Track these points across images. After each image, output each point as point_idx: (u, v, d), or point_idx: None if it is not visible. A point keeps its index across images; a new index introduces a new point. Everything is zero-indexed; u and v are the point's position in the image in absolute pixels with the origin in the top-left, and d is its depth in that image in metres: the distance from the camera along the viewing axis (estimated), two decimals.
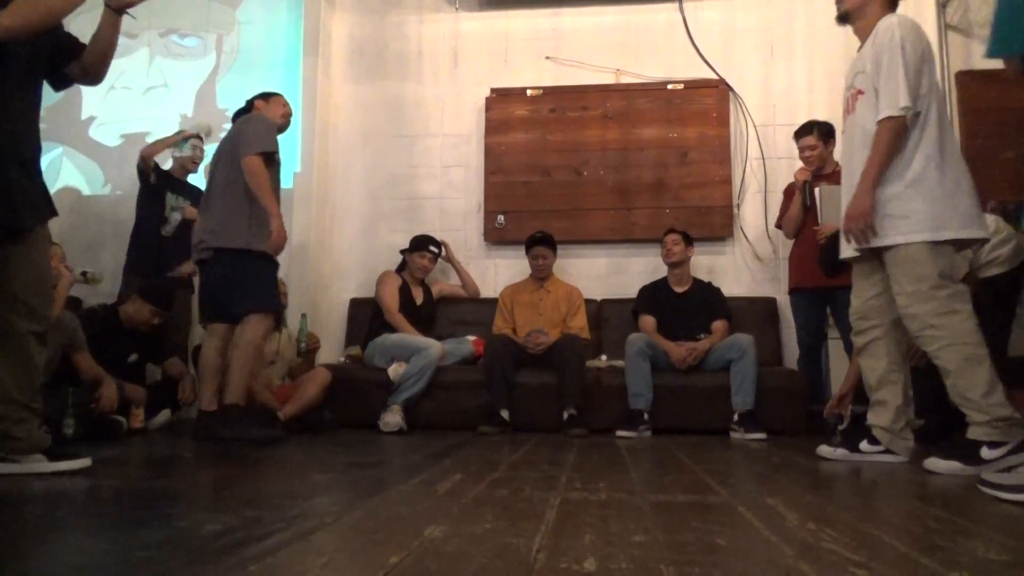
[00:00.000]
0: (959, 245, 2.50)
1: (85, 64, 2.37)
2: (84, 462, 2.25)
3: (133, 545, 1.28)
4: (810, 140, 3.94)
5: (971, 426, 2.32)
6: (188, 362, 4.16)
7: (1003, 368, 3.31)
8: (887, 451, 2.62)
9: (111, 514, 1.68)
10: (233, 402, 3.15)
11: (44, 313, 2.27)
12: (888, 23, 2.52)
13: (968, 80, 4.33)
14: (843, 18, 2.70)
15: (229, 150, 3.31)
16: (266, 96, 3.59)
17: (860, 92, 2.58)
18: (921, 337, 2.43)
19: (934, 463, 2.32)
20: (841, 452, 2.68)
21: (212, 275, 3.30)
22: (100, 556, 1.24)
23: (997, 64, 4.38)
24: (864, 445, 2.63)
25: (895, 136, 2.44)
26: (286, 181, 4.80)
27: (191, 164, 4.48)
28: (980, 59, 4.44)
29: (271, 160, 3.29)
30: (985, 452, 2.25)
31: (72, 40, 2.39)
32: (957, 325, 2.35)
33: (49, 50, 2.31)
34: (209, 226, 3.25)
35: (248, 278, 3.23)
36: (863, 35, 2.64)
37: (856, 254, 2.61)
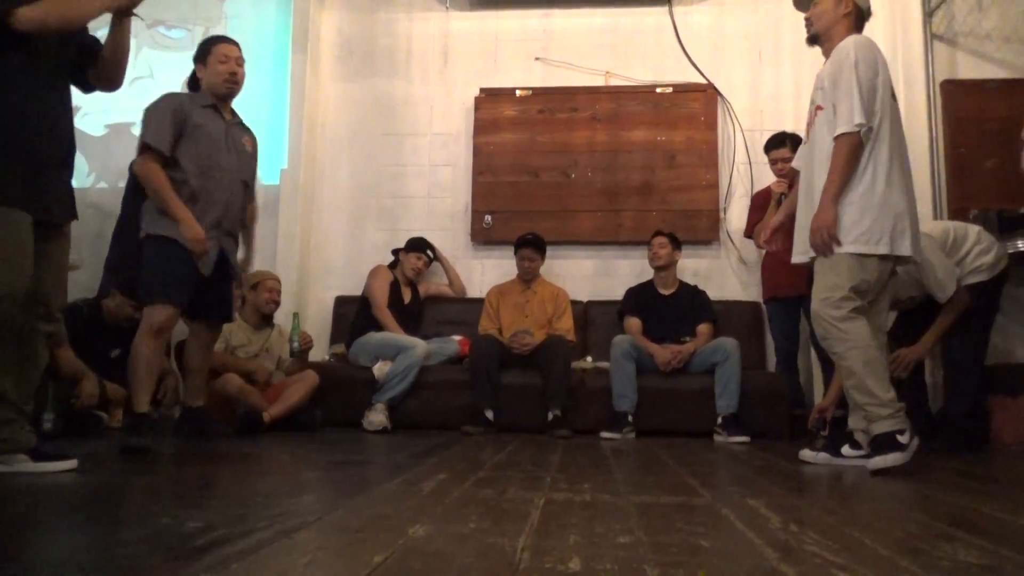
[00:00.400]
0: (895, 260, 2.59)
1: (100, 71, 2.36)
2: (70, 464, 2.19)
3: (113, 542, 1.26)
4: (784, 152, 3.98)
5: (877, 423, 2.45)
6: (172, 359, 4.13)
7: (982, 376, 3.38)
8: (868, 455, 2.63)
9: (91, 511, 1.66)
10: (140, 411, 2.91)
11: (57, 314, 2.29)
12: (845, 43, 2.60)
13: (953, 89, 4.38)
14: (812, 40, 2.77)
15: None
16: (202, 53, 3.13)
17: (819, 108, 2.66)
18: (827, 340, 2.54)
19: (877, 462, 2.39)
20: (823, 456, 2.70)
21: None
22: (80, 553, 1.23)
23: (981, 74, 4.46)
24: (846, 449, 2.66)
25: (851, 151, 2.51)
26: (272, 177, 4.80)
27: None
28: (965, 69, 4.50)
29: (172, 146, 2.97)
30: (900, 438, 2.41)
31: (95, 44, 2.36)
32: (858, 330, 2.48)
33: (76, 51, 2.30)
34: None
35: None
36: (828, 55, 2.71)
37: (807, 259, 2.69)
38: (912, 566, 1.18)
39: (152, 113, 2.98)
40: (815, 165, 2.65)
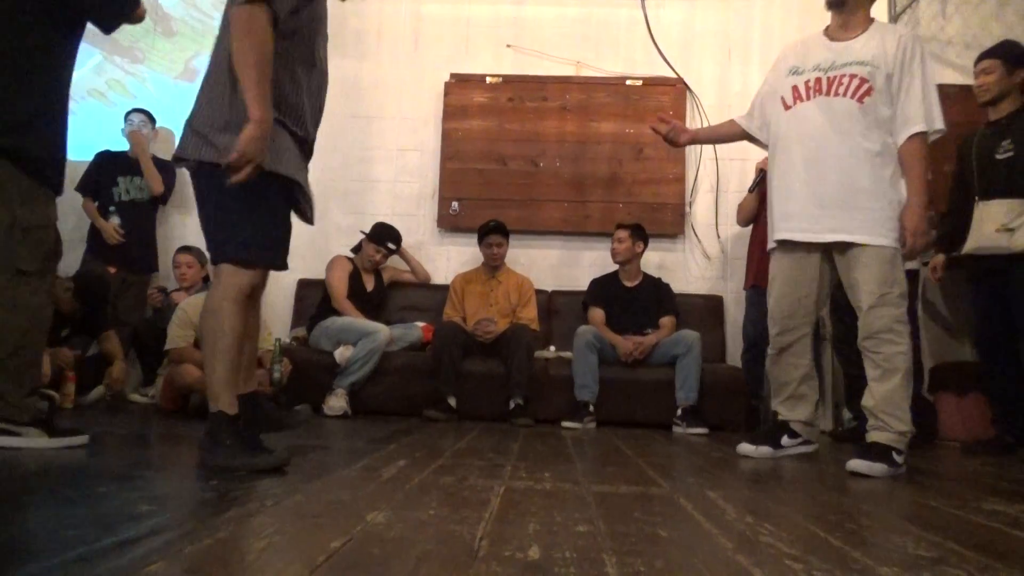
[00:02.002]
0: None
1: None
2: (82, 439, 2.22)
3: (62, 523, 1.23)
4: None
5: (883, 432, 2.43)
6: (129, 345, 4.06)
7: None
8: (805, 442, 2.77)
9: (39, 491, 1.62)
10: (215, 409, 1.98)
11: None
12: (911, 34, 2.57)
13: None
14: (839, 3, 2.64)
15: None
16: None
17: (865, 82, 2.52)
18: (877, 338, 2.46)
19: (857, 464, 2.37)
20: (765, 450, 2.73)
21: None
22: (26, 534, 1.19)
23: (942, 79, 4.55)
24: (785, 440, 2.72)
25: (926, 152, 2.49)
26: None
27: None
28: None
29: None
30: (896, 457, 2.39)
31: None
32: (909, 338, 2.48)
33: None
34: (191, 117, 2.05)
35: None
36: (851, 26, 2.62)
37: (792, 238, 2.61)
38: (863, 558, 1.20)
39: None
40: (862, 141, 2.52)
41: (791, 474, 2.37)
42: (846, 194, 2.51)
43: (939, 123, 2.48)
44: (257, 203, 2.03)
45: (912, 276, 3.40)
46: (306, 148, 2.30)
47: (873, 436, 2.46)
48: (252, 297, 2.08)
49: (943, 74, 4.57)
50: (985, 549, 1.31)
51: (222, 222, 2.01)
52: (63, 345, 3.67)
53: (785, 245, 2.69)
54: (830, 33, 2.69)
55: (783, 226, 2.67)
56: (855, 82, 2.54)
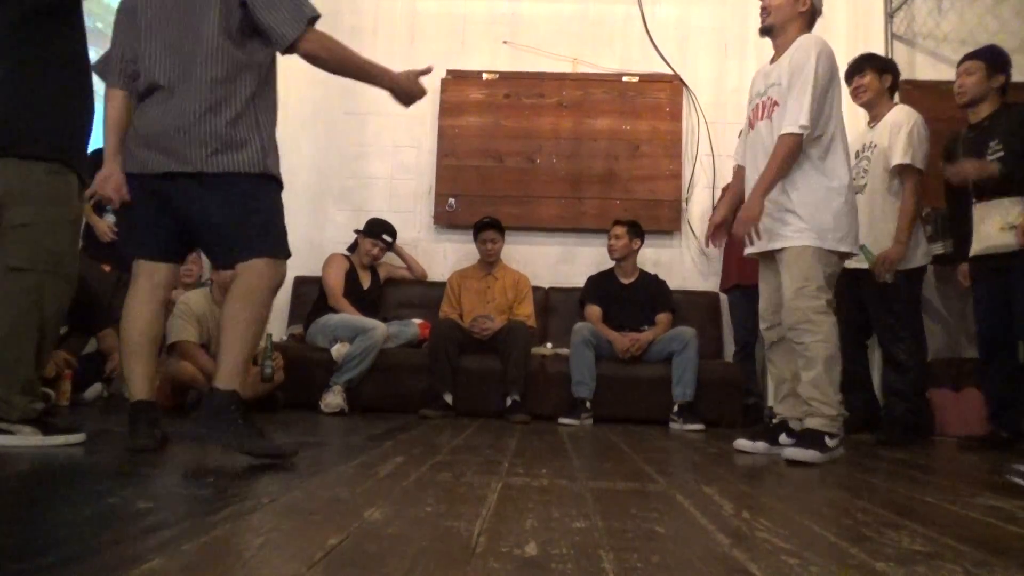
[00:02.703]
0: (840, 257, 2.69)
1: None
2: (78, 437, 2.24)
3: (59, 522, 1.23)
4: None
5: (814, 418, 2.54)
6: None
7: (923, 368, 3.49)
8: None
9: (36, 490, 1.62)
10: (231, 388, 2.01)
11: None
12: (807, 41, 2.65)
13: (910, 90, 4.46)
14: (766, 31, 2.81)
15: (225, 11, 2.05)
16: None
17: (776, 104, 2.69)
18: (797, 329, 2.60)
19: (795, 452, 2.47)
20: (762, 445, 2.76)
21: (206, 201, 2.10)
22: (23, 533, 1.19)
23: (938, 75, 4.56)
24: (783, 438, 2.73)
25: (791, 152, 2.58)
26: None
27: None
28: (922, 69, 4.60)
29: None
30: (828, 441, 2.49)
31: None
32: (829, 325, 2.56)
33: None
34: (218, 130, 2.06)
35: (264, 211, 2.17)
36: (781, 50, 2.76)
37: (757, 251, 2.78)
38: (859, 553, 1.21)
39: None
40: (760, 160, 2.71)
41: (787, 470, 2.38)
42: (772, 207, 2.67)
43: (804, 119, 2.55)
44: (280, 203, 2.27)
45: (914, 274, 3.40)
46: None
47: (807, 423, 2.57)
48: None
49: (939, 70, 4.59)
50: (981, 544, 1.32)
51: (258, 222, 2.13)
52: (61, 343, 3.65)
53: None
54: (772, 58, 2.83)
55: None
56: (770, 104, 2.72)
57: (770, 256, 2.77)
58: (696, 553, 1.17)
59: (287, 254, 2.21)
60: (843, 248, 2.63)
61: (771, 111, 2.71)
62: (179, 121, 2.04)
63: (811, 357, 2.56)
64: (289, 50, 2.10)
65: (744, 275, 4.01)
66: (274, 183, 2.20)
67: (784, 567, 1.10)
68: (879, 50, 4.48)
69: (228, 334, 2.07)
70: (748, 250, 2.83)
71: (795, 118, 2.56)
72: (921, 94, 4.45)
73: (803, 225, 2.61)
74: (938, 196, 3.71)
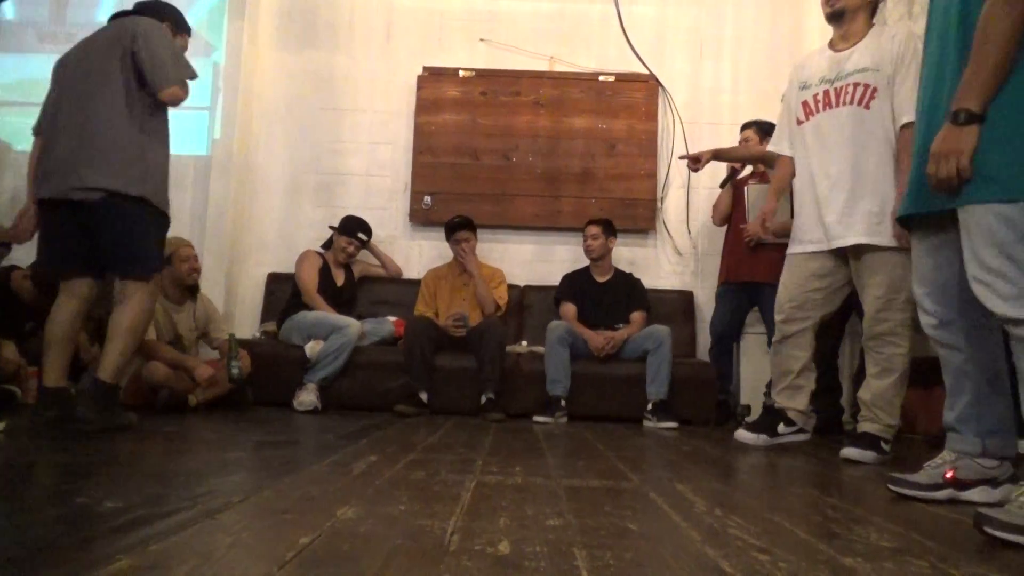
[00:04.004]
0: None
1: None
2: None
3: (26, 522, 1.21)
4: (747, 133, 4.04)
5: (872, 423, 2.61)
6: (93, 336, 3.97)
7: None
8: (800, 430, 2.89)
9: (2, 489, 1.58)
10: (112, 381, 2.63)
11: None
12: (906, 32, 2.65)
13: None
14: (837, 16, 2.74)
15: (119, 57, 2.62)
16: (174, 21, 2.88)
17: (876, 89, 2.62)
18: (884, 339, 2.64)
19: (852, 452, 2.55)
20: (763, 438, 2.85)
21: (99, 221, 2.59)
22: None
23: None
24: (781, 428, 2.79)
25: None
26: (202, 147, 4.64)
27: None
28: None
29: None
30: (883, 446, 2.58)
31: None
32: (909, 342, 2.65)
33: None
34: (93, 161, 2.55)
35: (145, 233, 2.66)
36: (851, 36, 2.73)
37: (803, 251, 2.78)
38: (829, 549, 1.22)
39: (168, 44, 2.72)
40: (859, 147, 2.63)
41: (760, 467, 2.41)
42: (855, 200, 2.63)
43: (914, 114, 2.49)
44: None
45: None
46: None
47: (864, 426, 2.62)
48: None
49: None
50: (946, 539, 1.35)
51: (142, 244, 2.64)
52: (28, 339, 3.59)
53: None
54: (833, 45, 2.80)
55: (796, 239, 2.84)
56: (859, 90, 2.65)
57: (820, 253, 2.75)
58: (669, 550, 1.18)
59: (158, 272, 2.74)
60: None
61: (869, 97, 2.62)
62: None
63: (888, 368, 2.63)
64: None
65: (739, 271, 4.03)
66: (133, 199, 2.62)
67: (755, 563, 1.11)
68: None
69: (117, 336, 2.65)
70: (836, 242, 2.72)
71: (912, 111, 2.43)
72: None
73: (888, 221, 2.56)
74: None
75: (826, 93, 2.74)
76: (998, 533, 1.32)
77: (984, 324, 1.75)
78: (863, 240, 2.63)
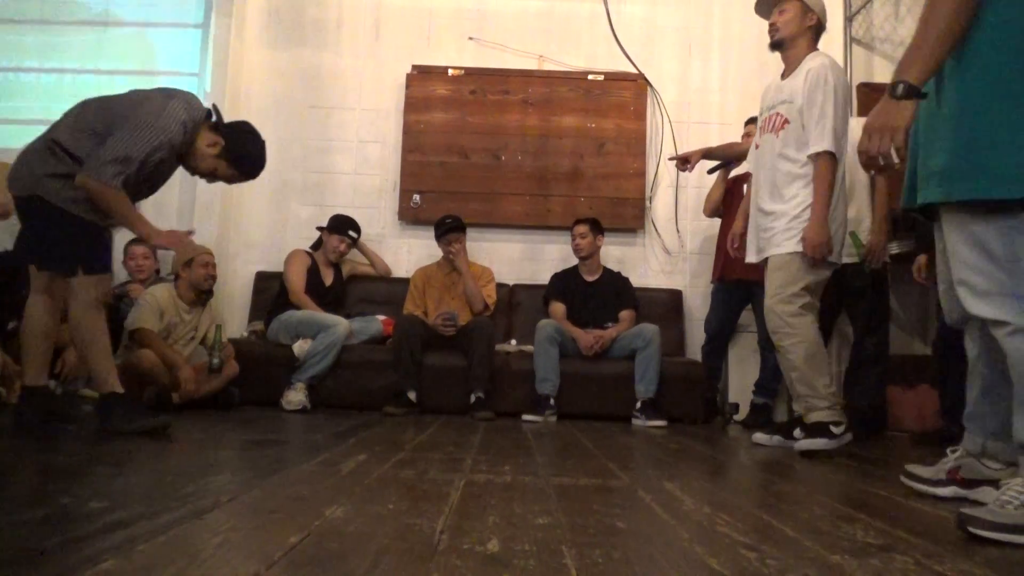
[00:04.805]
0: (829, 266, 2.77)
1: None
2: None
3: (9, 523, 1.20)
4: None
5: (813, 412, 2.65)
6: None
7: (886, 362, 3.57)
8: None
9: None
10: (108, 390, 2.59)
11: None
12: (822, 63, 2.72)
13: (869, 92, 4.56)
14: (777, 45, 2.86)
15: (107, 117, 2.56)
16: (228, 143, 2.75)
17: (787, 121, 2.76)
18: (776, 333, 2.71)
19: (805, 444, 2.61)
20: (777, 439, 2.90)
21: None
22: None
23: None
24: (797, 432, 2.81)
25: (829, 169, 2.65)
26: None
27: None
28: (880, 73, 4.70)
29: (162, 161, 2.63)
30: (833, 429, 2.61)
31: None
32: (805, 326, 2.66)
33: None
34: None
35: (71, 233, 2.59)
36: (791, 64, 2.84)
37: (758, 259, 2.89)
38: (815, 546, 1.23)
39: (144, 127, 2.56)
40: (765, 170, 2.81)
41: (747, 465, 2.42)
42: (765, 219, 2.80)
43: (826, 143, 2.63)
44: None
45: (878, 275, 3.47)
46: None
47: (810, 418, 2.67)
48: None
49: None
50: (931, 536, 1.36)
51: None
52: (10, 338, 3.55)
53: None
54: (782, 72, 2.91)
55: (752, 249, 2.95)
56: (778, 119, 2.80)
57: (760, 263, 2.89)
58: (657, 548, 1.19)
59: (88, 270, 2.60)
60: (832, 258, 2.71)
61: (780, 126, 2.78)
62: None
63: (791, 359, 2.67)
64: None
65: (733, 270, 4.03)
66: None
67: (743, 560, 1.11)
68: (838, 53, 4.57)
69: (86, 347, 2.65)
70: (750, 257, 2.94)
71: (820, 142, 2.63)
72: (879, 96, 4.53)
73: (783, 233, 2.71)
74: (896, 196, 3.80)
75: (765, 120, 2.90)
76: (981, 532, 1.33)
77: None
78: (765, 254, 2.81)
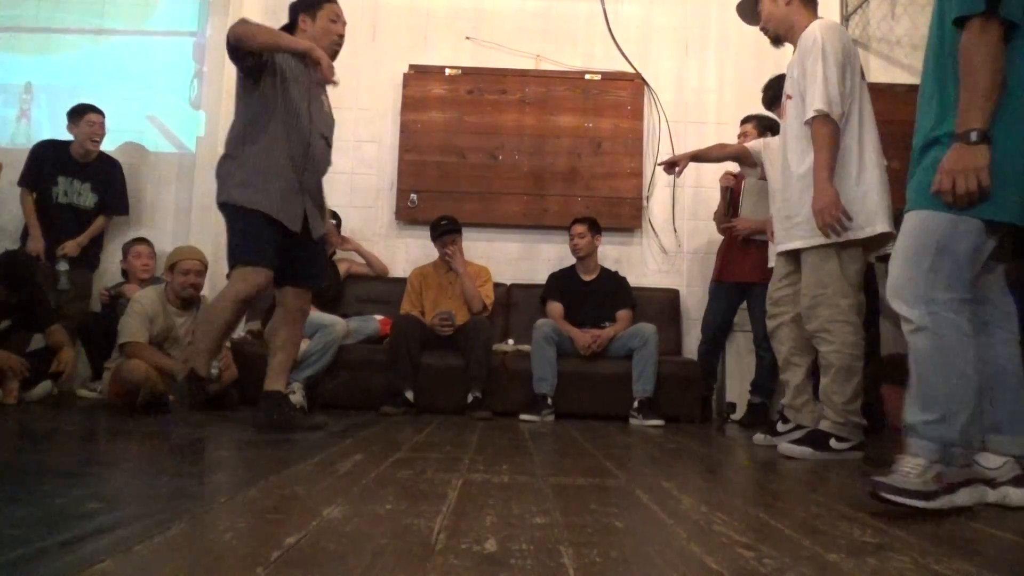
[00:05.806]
0: (870, 245, 2.63)
1: None
2: None
3: (5, 522, 1.19)
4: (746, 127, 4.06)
5: (824, 420, 2.58)
6: (75, 334, 3.93)
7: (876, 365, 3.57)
8: (797, 426, 2.81)
9: None
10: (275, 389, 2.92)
11: None
12: (810, 29, 2.65)
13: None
14: (775, 42, 2.84)
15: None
16: (311, 5, 2.98)
17: (789, 97, 2.72)
18: (818, 337, 2.61)
19: (788, 448, 2.55)
20: (765, 437, 2.87)
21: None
22: None
23: (891, 78, 4.64)
24: (780, 426, 2.80)
25: (829, 133, 2.53)
26: (188, 145, 4.60)
27: (89, 143, 4.20)
28: (876, 72, 4.71)
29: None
30: (834, 443, 2.53)
31: None
32: (845, 336, 2.55)
33: None
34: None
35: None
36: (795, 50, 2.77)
37: (791, 247, 2.75)
38: (812, 545, 1.23)
39: None
40: (787, 152, 2.72)
41: (743, 466, 2.42)
42: (786, 206, 2.72)
43: (819, 103, 2.51)
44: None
45: (867, 273, 3.47)
46: None
47: (820, 424, 2.61)
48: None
49: (893, 74, 4.70)
50: (927, 535, 1.36)
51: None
52: (5, 339, 3.55)
53: None
54: None
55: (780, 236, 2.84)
56: (787, 100, 2.77)
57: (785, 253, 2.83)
58: (655, 547, 1.19)
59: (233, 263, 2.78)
60: (866, 233, 2.55)
61: (787, 103, 2.76)
62: None
63: (825, 365, 2.61)
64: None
65: (732, 271, 4.04)
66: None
67: (740, 559, 1.12)
68: None
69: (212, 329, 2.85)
70: (780, 246, 2.81)
71: (812, 105, 2.53)
72: (876, 97, 4.52)
73: (812, 220, 2.57)
74: (894, 197, 3.80)
75: (781, 107, 2.90)
76: (890, 496, 1.52)
77: (985, 320, 1.79)
78: (795, 244, 2.69)
